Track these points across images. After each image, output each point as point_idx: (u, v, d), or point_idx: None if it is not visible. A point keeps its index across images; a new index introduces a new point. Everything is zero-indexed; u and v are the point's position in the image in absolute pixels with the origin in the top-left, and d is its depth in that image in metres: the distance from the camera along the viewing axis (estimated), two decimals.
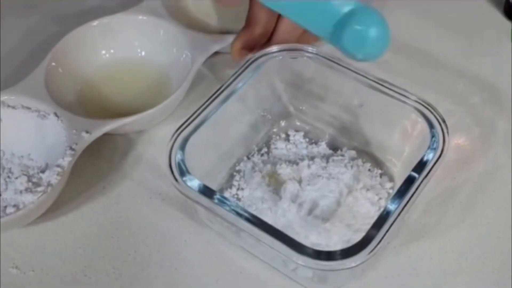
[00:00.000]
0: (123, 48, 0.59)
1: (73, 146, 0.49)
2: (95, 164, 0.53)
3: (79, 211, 0.51)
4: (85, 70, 0.58)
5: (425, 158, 0.44)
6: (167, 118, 0.56)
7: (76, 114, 0.51)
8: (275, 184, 0.49)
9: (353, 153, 0.52)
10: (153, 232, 0.49)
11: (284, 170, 0.50)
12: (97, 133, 0.50)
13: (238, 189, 0.50)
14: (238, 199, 0.49)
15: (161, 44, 0.59)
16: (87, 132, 0.50)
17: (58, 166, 0.48)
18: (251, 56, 0.50)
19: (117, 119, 0.51)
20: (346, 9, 0.41)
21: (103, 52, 0.59)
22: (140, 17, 0.59)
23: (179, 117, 0.50)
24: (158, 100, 0.52)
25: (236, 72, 0.50)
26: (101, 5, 0.67)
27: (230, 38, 0.55)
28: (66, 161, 0.48)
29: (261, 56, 0.51)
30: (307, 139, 0.53)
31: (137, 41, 0.60)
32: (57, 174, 0.48)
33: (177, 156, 0.45)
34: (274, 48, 0.51)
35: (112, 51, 0.60)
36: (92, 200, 0.51)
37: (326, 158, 0.51)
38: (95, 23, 0.58)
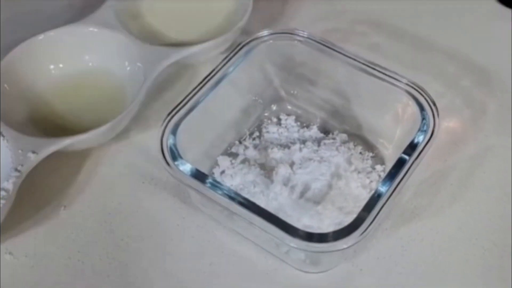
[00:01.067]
0: (72, 62, 0.57)
1: (19, 168, 0.47)
2: (86, 150, 0.53)
3: (71, 197, 0.51)
4: (35, 87, 0.55)
5: (415, 141, 0.44)
6: None
7: (28, 133, 0.50)
8: (267, 168, 0.50)
9: (344, 136, 0.52)
10: (145, 217, 0.49)
11: (276, 154, 0.50)
12: (44, 153, 0.48)
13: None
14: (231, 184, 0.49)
15: (113, 57, 0.57)
16: (33, 152, 0.48)
17: (2, 189, 0.46)
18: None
19: (65, 138, 0.49)
20: None
21: (52, 67, 0.57)
22: (90, 29, 0.57)
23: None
24: (115, 113, 0.50)
25: (227, 56, 0.50)
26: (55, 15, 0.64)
27: (187, 50, 0.54)
28: (11, 183, 0.46)
29: (252, 40, 0.51)
30: (298, 123, 0.53)
31: (87, 54, 0.57)
32: (2, 198, 0.46)
33: (169, 140, 0.45)
34: (265, 32, 0.51)
35: (61, 65, 0.57)
36: (84, 186, 0.51)
37: (318, 141, 0.51)
38: (40, 37, 0.56)
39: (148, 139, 0.54)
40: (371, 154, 0.51)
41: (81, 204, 0.50)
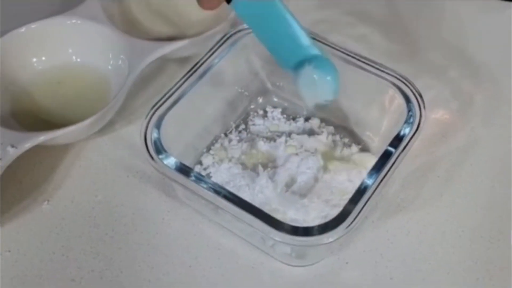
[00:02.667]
0: (55, 55, 0.56)
1: None
2: (70, 143, 0.53)
3: (55, 191, 0.50)
4: (18, 80, 0.54)
5: (401, 133, 0.44)
6: None
7: (9, 127, 0.49)
8: (253, 161, 0.49)
9: (331, 128, 0.52)
10: (130, 211, 0.49)
11: (262, 147, 0.50)
12: (24, 148, 0.47)
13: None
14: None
15: (97, 50, 0.56)
16: (12, 146, 0.47)
17: None
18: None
19: (45, 132, 0.48)
20: (311, 52, 0.45)
21: (34, 60, 0.56)
22: (74, 21, 0.55)
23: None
24: (99, 107, 0.50)
25: (212, 48, 0.49)
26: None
27: (173, 45, 0.53)
28: None
29: (237, 32, 0.50)
30: (285, 115, 0.53)
31: (71, 47, 0.56)
32: None
33: (153, 134, 0.44)
34: None
35: (43, 58, 0.56)
36: (68, 179, 0.51)
37: (304, 134, 0.51)
38: (22, 29, 0.54)
39: (133, 132, 0.53)
40: (358, 146, 0.50)
41: (64, 198, 0.50)
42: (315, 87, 0.45)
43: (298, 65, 0.45)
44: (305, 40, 0.46)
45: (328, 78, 0.45)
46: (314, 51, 0.45)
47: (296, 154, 0.48)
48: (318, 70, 0.44)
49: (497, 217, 0.48)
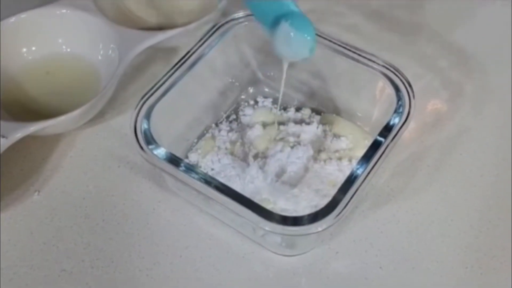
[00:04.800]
0: (45, 44, 0.56)
1: None
2: (61, 133, 0.53)
3: (45, 181, 0.50)
4: (7, 70, 0.54)
5: (391, 122, 0.44)
6: None
7: (1, 117, 0.49)
8: (244, 151, 0.49)
9: (321, 118, 0.51)
10: (121, 201, 0.49)
11: (252, 137, 0.50)
12: (14, 138, 0.47)
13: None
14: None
15: (87, 39, 0.55)
16: (3, 136, 0.47)
17: None
18: None
19: (35, 123, 0.48)
20: (289, 8, 0.44)
21: (24, 50, 0.55)
22: (63, 11, 0.55)
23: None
24: (89, 97, 0.50)
25: (202, 38, 0.49)
26: None
27: (163, 34, 0.53)
28: None
29: (228, 22, 0.50)
30: (275, 106, 0.53)
31: (60, 36, 0.56)
32: None
33: (143, 124, 0.44)
34: (241, 13, 0.50)
35: (33, 48, 0.56)
36: (58, 170, 0.51)
37: (295, 124, 0.51)
38: (12, 19, 0.54)
39: (124, 122, 0.53)
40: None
41: (55, 188, 0.50)
42: (291, 45, 0.44)
43: (276, 21, 0.44)
44: None
45: (305, 35, 0.43)
46: (292, 7, 0.44)
47: (287, 143, 0.48)
48: (294, 27, 0.43)
49: (485, 206, 0.48)
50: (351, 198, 0.40)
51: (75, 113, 0.49)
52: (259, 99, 0.53)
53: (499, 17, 0.60)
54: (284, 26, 0.43)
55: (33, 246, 0.47)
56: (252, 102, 0.53)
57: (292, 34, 0.43)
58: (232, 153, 0.49)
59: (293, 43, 0.43)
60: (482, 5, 0.62)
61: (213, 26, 0.50)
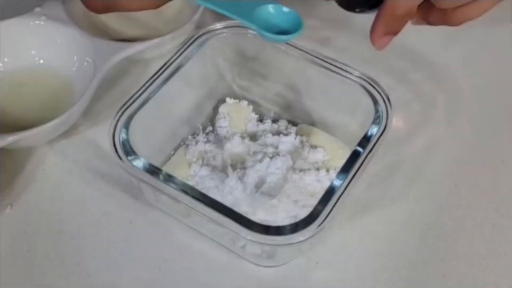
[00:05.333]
0: (18, 56, 0.55)
1: None
2: (32, 147, 0.52)
3: (18, 195, 0.49)
4: None
5: (369, 133, 0.45)
6: None
7: None
8: (222, 162, 0.49)
9: (298, 129, 0.52)
10: (96, 214, 0.48)
11: (229, 148, 0.49)
12: None
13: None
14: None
15: (61, 51, 0.55)
16: None
17: None
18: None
19: (7, 135, 0.47)
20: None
21: None
22: (37, 22, 0.54)
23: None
24: (63, 110, 0.49)
25: (179, 50, 0.49)
26: None
27: (139, 46, 0.52)
28: None
29: (204, 33, 0.50)
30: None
31: (34, 48, 0.55)
32: None
33: (121, 134, 0.44)
34: (217, 25, 0.50)
35: (5, 59, 0.54)
36: (31, 184, 0.50)
37: (272, 135, 0.51)
38: None
39: (98, 134, 0.52)
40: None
41: (28, 203, 0.49)
42: (274, 22, 0.42)
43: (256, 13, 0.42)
44: None
45: (285, 9, 0.42)
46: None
47: (265, 155, 0.48)
48: (273, 4, 0.42)
49: (460, 216, 0.49)
50: (332, 208, 0.41)
51: (48, 125, 0.48)
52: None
53: (470, 30, 0.61)
54: (264, 8, 0.42)
55: (6, 261, 0.46)
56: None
57: (271, 10, 0.42)
58: (209, 165, 0.49)
59: (275, 20, 0.42)
60: None
61: (190, 38, 0.49)
